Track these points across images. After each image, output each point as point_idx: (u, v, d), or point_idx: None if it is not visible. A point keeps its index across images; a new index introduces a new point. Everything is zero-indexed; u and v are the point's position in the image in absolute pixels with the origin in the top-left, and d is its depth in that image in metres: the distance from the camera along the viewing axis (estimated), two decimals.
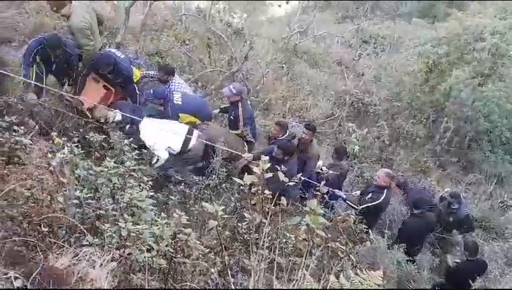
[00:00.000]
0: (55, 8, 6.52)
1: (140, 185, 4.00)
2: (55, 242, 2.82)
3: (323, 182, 6.12)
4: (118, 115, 6.32)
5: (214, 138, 6.73)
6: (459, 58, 12.62)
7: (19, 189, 2.93)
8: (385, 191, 7.07)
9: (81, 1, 6.67)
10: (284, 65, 12.61)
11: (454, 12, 14.17)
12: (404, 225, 7.67)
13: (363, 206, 6.87)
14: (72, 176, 3.28)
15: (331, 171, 7.28)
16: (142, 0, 10.14)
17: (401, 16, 22.01)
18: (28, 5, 8.49)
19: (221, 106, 8.21)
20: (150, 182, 4.23)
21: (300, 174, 5.18)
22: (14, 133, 3.40)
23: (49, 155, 3.23)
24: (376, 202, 6.95)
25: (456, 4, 20.76)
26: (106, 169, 3.73)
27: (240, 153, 6.96)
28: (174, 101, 6.95)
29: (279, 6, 16.66)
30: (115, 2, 10.62)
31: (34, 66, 6.02)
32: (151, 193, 3.91)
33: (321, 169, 7.39)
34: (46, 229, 2.81)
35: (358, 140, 9.83)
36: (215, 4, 12.45)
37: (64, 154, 3.22)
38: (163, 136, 6.29)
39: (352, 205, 7.03)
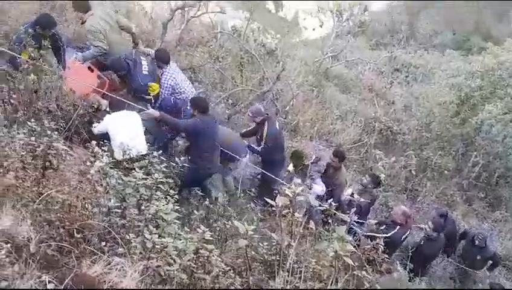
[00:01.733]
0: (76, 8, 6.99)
1: (166, 198, 4.01)
2: (88, 249, 2.85)
3: (353, 209, 6.12)
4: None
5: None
6: (492, 92, 12.48)
7: (54, 194, 2.99)
8: (397, 227, 7.05)
9: (102, 9, 6.94)
10: (314, 88, 12.63)
11: (490, 46, 14.04)
12: (420, 248, 7.65)
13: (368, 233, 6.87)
14: (104, 185, 3.33)
15: (362, 199, 7.31)
16: (191, 6, 10.27)
17: (435, 46, 21.88)
18: (69, 14, 8.73)
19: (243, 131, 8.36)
20: (176, 196, 4.26)
21: (331, 200, 5.13)
22: (48, 138, 3.47)
23: (88, 163, 3.28)
24: (383, 235, 6.91)
25: (492, 38, 20.57)
26: (135, 180, 3.76)
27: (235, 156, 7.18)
28: (188, 108, 7.01)
29: (313, 29, 16.75)
30: (152, 15, 10.84)
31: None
32: (177, 207, 3.92)
33: (352, 195, 7.41)
34: (80, 235, 2.85)
35: (384, 168, 9.75)
36: (251, 24, 12.58)
37: (102, 163, 3.29)
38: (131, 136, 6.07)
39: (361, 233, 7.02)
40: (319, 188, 7.47)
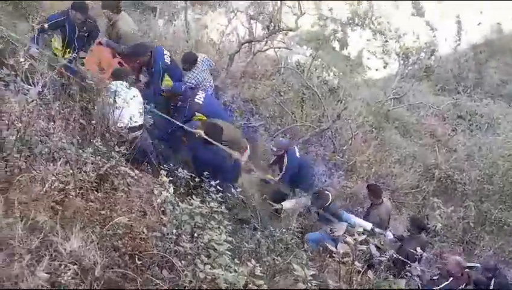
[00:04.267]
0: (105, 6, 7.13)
1: (219, 228, 4.01)
2: (150, 277, 2.88)
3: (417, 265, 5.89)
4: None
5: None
6: None
7: (120, 219, 3.06)
8: (450, 279, 6.69)
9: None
10: (374, 129, 12.48)
11: None
12: None
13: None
14: (168, 213, 3.37)
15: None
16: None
17: (502, 96, 21.22)
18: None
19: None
20: (230, 226, 4.25)
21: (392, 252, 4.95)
22: (116, 160, 3.56)
23: (156, 192, 3.35)
24: (436, 288, 6.57)
25: None
26: (191, 207, 3.78)
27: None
28: (195, 100, 7.00)
29: (377, 70, 16.69)
30: (220, 47, 11.13)
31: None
32: (229, 238, 3.91)
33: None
34: (140, 262, 2.89)
35: (442, 217, 9.43)
36: (315, 60, 12.68)
37: (169, 193, 3.35)
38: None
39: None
40: (368, 224, 7.23)
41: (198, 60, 7.76)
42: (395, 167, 11.44)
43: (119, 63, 7.08)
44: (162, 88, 7.34)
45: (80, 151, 3.79)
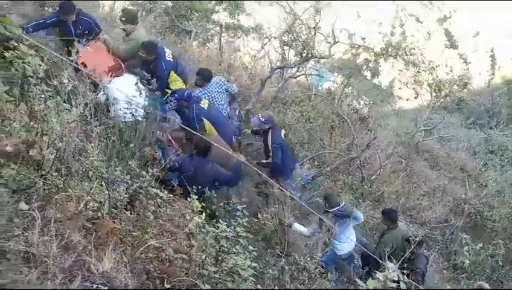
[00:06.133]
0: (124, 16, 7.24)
1: (245, 253, 4.02)
2: None
3: None
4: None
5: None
6: None
7: (152, 242, 3.11)
8: None
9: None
10: (403, 160, 12.37)
11: None
12: None
13: None
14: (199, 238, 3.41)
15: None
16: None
17: None
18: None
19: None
20: (255, 252, 4.25)
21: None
22: (146, 181, 3.63)
23: (187, 217, 3.41)
24: None
25: None
26: (217, 230, 3.81)
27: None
28: (201, 105, 7.04)
29: (407, 100, 16.52)
30: (251, 72, 11.27)
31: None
32: (254, 264, 3.91)
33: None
34: (169, 286, 2.93)
35: (469, 254, 9.23)
36: (346, 88, 12.70)
37: (201, 219, 3.40)
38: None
39: None
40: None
41: (213, 80, 7.84)
42: (423, 200, 11.29)
43: (115, 60, 7.08)
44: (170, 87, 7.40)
45: (115, 170, 3.86)
